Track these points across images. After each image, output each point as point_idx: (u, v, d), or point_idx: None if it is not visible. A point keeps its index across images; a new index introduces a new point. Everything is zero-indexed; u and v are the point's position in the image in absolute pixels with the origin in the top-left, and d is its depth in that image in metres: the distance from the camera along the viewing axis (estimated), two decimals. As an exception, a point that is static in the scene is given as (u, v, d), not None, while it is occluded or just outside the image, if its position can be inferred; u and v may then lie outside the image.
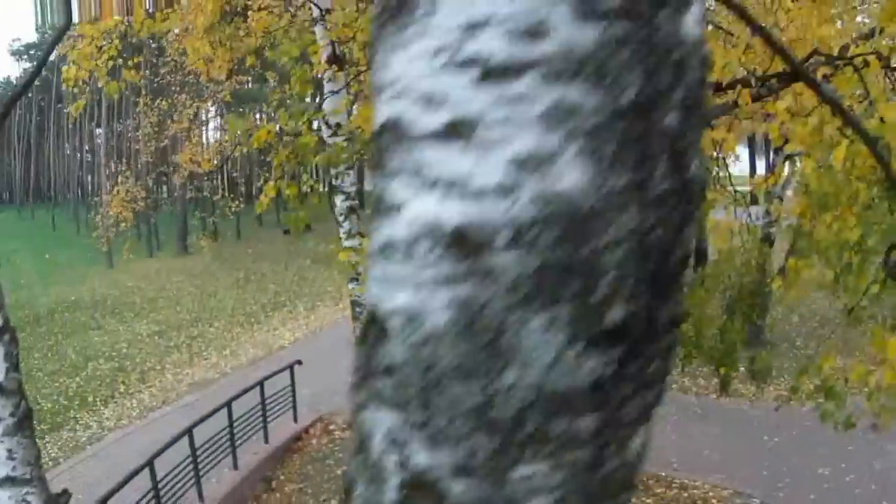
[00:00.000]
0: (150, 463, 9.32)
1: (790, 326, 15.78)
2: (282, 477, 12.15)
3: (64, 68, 8.56)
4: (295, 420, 13.79)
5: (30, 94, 58.89)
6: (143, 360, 20.88)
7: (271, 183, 6.47)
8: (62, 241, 48.78)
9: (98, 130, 51.98)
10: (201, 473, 10.72)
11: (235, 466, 11.65)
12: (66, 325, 25.62)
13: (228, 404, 11.65)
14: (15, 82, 67.10)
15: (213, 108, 45.31)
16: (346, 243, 10.87)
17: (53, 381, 19.21)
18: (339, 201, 10.98)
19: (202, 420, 10.98)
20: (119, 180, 20.29)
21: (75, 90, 8.38)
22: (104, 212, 17.32)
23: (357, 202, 11.05)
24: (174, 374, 19.46)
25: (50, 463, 13.35)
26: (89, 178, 58.51)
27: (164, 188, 49.14)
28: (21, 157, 70.77)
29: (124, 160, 40.11)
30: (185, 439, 10.43)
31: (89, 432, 15.09)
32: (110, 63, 8.46)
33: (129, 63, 9.29)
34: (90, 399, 17.59)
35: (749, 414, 11.82)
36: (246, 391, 12.45)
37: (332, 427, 13.90)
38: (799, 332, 15.62)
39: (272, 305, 26.06)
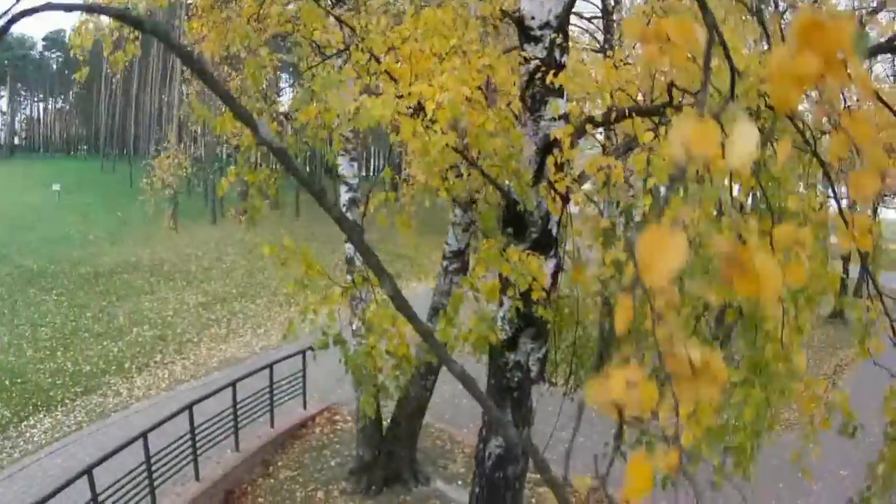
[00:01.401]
0: (143, 436, 10.50)
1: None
2: (280, 463, 13.31)
3: (70, 35, 8.73)
4: (304, 406, 14.99)
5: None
6: (183, 331, 22.60)
7: (233, 168, 7.02)
8: (135, 200, 51.54)
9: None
10: (201, 452, 11.96)
11: (237, 448, 12.86)
12: (122, 286, 27.70)
13: (233, 385, 12.83)
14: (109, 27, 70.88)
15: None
16: (349, 235, 11.85)
17: (98, 343, 21.09)
18: (343, 192, 11.98)
19: (204, 398, 12.20)
20: (164, 146, 21.65)
21: (81, 58, 8.66)
22: (150, 176, 18.71)
23: (358, 194, 11.96)
24: (209, 348, 21.06)
25: (73, 427, 15.06)
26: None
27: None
28: (107, 109, 74.88)
29: (174, 126, 42.21)
30: (188, 417, 11.67)
31: (118, 399, 16.70)
32: (115, 34, 9.05)
33: (132, 36, 9.55)
34: (127, 366, 19.28)
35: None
36: (252, 373, 13.68)
37: (336, 417, 15.04)
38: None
39: (312, 287, 27.40)
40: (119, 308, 24.78)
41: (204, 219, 46.08)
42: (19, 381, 17.04)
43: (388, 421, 12.87)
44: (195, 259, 33.99)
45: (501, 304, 7.10)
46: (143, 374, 18.76)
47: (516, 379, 7.32)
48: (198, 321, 23.66)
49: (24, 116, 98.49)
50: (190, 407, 11.66)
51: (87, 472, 9.24)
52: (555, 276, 7.11)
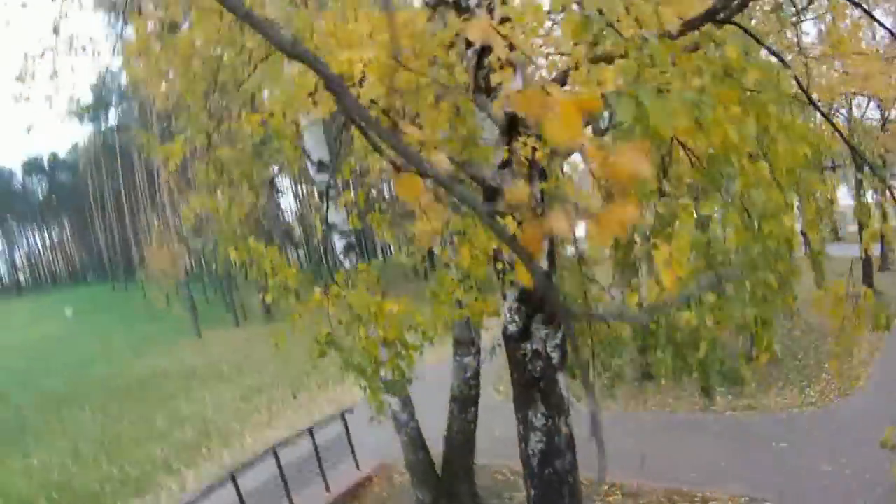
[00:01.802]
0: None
1: (792, 341, 17.40)
2: (343, 524, 13.76)
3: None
4: (357, 467, 15.45)
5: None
6: (225, 424, 23.25)
7: (194, 196, 7.39)
8: (153, 314, 53.13)
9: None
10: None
11: (295, 517, 13.25)
12: (155, 394, 28.60)
13: (274, 452, 13.31)
14: (85, 144, 73.15)
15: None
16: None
17: (140, 447, 21.78)
18: (337, 240, 12.64)
19: (246, 465, 12.71)
20: (154, 235, 22.46)
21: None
22: (148, 267, 19.56)
23: (353, 239, 12.57)
24: (254, 435, 21.66)
25: (130, 526, 15.74)
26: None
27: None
28: (105, 232, 77.06)
29: (168, 220, 43.93)
30: (235, 489, 12.15)
31: (170, 496, 17.32)
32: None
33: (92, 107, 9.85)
34: (174, 465, 19.92)
35: (759, 423, 13.69)
36: (293, 437, 14.20)
37: (393, 474, 15.47)
38: (800, 344, 17.20)
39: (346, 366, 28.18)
40: (156, 413, 25.53)
41: (227, 323, 47.36)
42: (67, 493, 17.79)
43: (441, 464, 13.37)
44: (225, 360, 34.88)
45: (505, 298, 7.25)
46: (192, 469, 19.35)
47: (538, 368, 7.41)
48: (238, 413, 24.32)
49: (23, 252, 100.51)
50: (232, 477, 12.15)
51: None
52: (551, 257, 7.20)
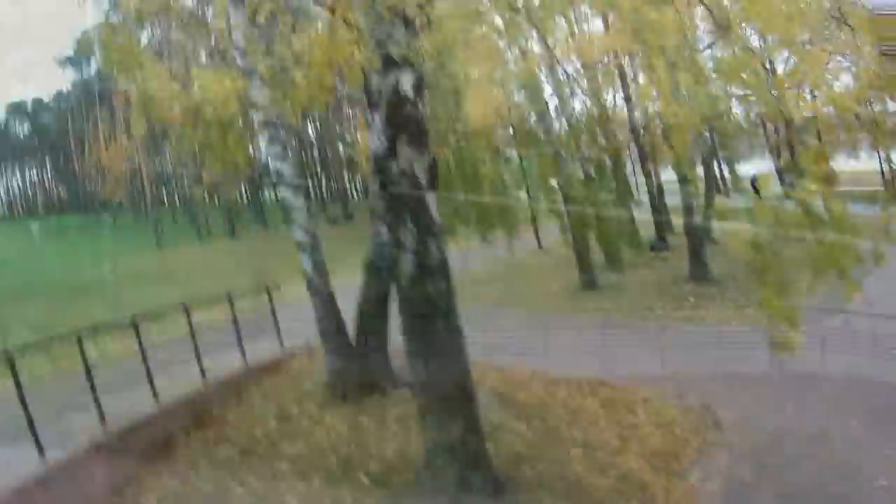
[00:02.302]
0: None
1: (736, 267, 18.47)
2: (253, 390, 14.01)
3: None
4: (281, 344, 15.82)
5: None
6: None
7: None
8: (121, 232, 53.46)
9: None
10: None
11: (203, 375, 13.52)
12: (101, 292, 29.17)
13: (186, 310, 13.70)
14: (67, 93, 74.56)
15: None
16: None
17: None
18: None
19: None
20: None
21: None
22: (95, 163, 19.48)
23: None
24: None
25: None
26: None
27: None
28: (85, 169, 77.37)
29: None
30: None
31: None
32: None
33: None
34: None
35: (693, 332, 15.27)
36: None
37: (318, 356, 15.68)
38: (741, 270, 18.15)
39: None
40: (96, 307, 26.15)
41: (190, 241, 47.94)
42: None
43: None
44: (180, 268, 35.34)
45: (373, 119, 7.89)
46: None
47: (405, 187, 7.80)
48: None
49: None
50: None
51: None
52: (419, 89, 7.73)
